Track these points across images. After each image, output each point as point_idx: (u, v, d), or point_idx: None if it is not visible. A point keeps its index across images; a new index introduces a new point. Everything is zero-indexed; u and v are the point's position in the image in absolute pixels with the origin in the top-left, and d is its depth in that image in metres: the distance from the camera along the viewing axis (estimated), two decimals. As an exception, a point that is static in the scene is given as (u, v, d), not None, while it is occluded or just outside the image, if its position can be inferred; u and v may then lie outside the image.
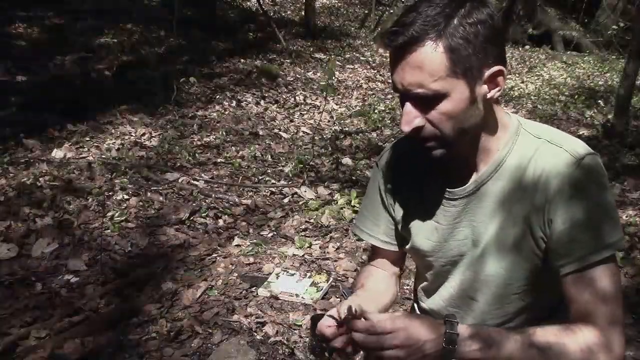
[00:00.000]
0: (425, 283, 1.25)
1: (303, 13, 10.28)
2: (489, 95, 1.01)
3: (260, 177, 4.23)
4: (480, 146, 1.07)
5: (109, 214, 3.34)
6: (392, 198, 1.23)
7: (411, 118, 1.01)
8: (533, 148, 1.05)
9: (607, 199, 1.01)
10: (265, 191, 3.98)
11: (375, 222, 1.27)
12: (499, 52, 1.00)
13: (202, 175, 4.19)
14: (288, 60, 8.03)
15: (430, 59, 0.95)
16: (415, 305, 1.36)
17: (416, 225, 1.18)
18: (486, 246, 1.09)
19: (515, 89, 7.90)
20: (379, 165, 1.27)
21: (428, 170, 1.16)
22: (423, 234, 1.17)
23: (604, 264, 0.99)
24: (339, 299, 2.75)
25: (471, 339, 0.95)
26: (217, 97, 6.25)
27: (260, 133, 5.31)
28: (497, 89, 1.01)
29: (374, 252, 1.33)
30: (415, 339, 0.94)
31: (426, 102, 0.99)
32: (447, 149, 1.03)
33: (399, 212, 1.22)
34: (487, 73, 0.99)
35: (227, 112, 5.87)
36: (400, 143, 1.25)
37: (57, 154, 4.24)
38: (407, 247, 1.23)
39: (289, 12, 11.30)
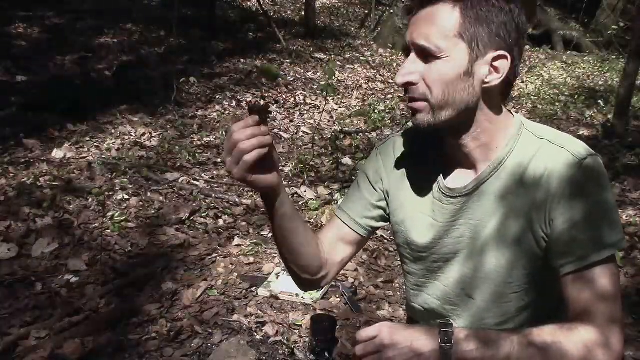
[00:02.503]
0: (415, 279, 1.22)
1: (303, 13, 10.27)
2: (487, 79, 1.03)
3: (260, 177, 4.23)
4: (481, 142, 1.08)
5: (109, 214, 3.34)
6: (388, 187, 1.22)
7: (408, 71, 1.04)
8: (535, 148, 1.06)
9: (608, 200, 1.01)
10: (265, 191, 3.98)
11: (354, 200, 1.26)
12: (512, 45, 1.03)
13: (202, 175, 4.19)
14: (288, 60, 8.03)
15: (444, 16, 1.01)
16: (409, 316, 1.34)
17: (412, 220, 1.17)
18: (485, 243, 1.08)
19: (515, 89, 7.89)
20: (379, 150, 1.26)
21: (428, 165, 1.16)
22: (419, 229, 1.16)
23: (604, 263, 0.99)
24: (338, 299, 2.76)
25: (468, 339, 0.94)
26: (217, 97, 6.25)
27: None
28: (497, 75, 1.03)
29: (330, 226, 1.28)
30: (409, 338, 0.94)
31: (426, 57, 1.02)
32: (433, 119, 1.04)
33: (394, 204, 1.21)
34: (492, 55, 1.02)
35: (227, 112, 5.87)
36: (404, 135, 1.24)
37: (57, 154, 4.24)
38: (401, 241, 1.21)
39: (289, 12, 11.29)
